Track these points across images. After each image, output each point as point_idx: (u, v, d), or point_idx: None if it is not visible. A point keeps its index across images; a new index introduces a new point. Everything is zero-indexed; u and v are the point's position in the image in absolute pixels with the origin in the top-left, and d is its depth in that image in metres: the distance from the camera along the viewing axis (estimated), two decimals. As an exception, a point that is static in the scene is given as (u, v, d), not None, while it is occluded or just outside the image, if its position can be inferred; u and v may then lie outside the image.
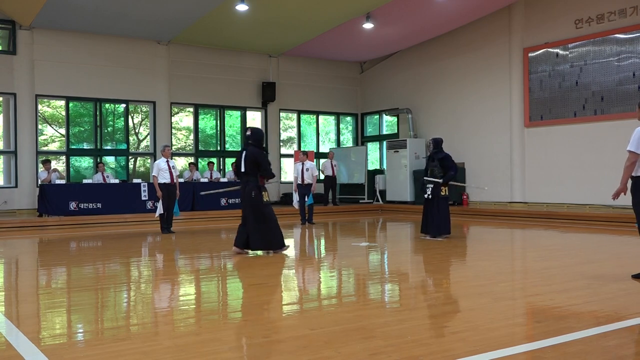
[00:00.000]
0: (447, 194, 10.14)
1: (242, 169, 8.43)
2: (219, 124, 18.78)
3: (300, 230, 12.56)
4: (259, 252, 8.47)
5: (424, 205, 10.36)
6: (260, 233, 8.27)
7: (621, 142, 12.94)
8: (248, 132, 8.56)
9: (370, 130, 21.38)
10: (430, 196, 10.09)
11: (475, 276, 6.64)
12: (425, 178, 10.31)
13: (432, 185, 10.09)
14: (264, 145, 8.59)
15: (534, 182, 15.66)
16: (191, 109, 18.37)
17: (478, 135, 17.03)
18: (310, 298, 5.80)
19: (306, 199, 13.68)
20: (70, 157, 16.58)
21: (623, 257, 7.88)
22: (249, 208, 8.33)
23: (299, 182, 13.64)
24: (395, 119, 20.09)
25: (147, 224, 13.34)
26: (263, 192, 8.36)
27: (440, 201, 10.05)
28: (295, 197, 13.87)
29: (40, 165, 14.83)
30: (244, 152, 8.43)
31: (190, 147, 18.69)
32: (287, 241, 8.93)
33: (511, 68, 16.12)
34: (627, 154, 5.98)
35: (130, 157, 17.93)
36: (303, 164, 13.67)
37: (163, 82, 17.34)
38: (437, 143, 10.38)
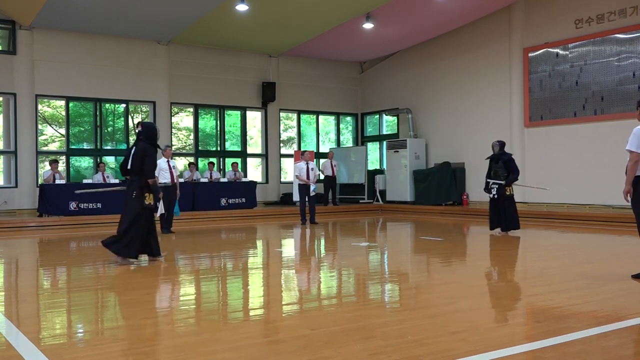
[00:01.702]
0: (512, 193, 10.77)
1: (129, 166, 7.58)
2: (219, 124, 18.78)
3: (300, 230, 12.56)
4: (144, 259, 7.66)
5: (490, 204, 10.98)
6: (128, 235, 7.37)
7: (621, 142, 12.92)
8: (139, 128, 7.77)
9: (370, 130, 21.38)
10: (495, 196, 10.76)
11: (475, 276, 6.64)
12: (488, 180, 10.94)
13: (497, 186, 10.74)
14: (156, 143, 7.72)
15: (534, 182, 15.64)
16: (191, 109, 18.38)
17: (478, 135, 17.02)
18: (310, 298, 5.80)
19: (307, 198, 13.67)
20: (70, 157, 16.58)
21: (623, 257, 7.89)
22: (126, 208, 7.48)
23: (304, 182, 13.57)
24: (395, 119, 20.09)
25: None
26: (146, 194, 7.44)
27: (507, 200, 10.69)
28: (297, 196, 13.80)
29: (46, 164, 14.84)
30: (133, 148, 7.63)
31: (190, 147, 18.69)
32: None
33: (511, 68, 16.12)
34: (628, 154, 5.98)
35: (130, 157, 17.90)
36: (308, 163, 13.64)
37: (163, 82, 17.34)
38: (502, 145, 11.00)
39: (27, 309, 5.34)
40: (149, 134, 7.65)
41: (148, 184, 7.48)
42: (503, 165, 10.78)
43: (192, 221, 14.41)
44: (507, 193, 10.70)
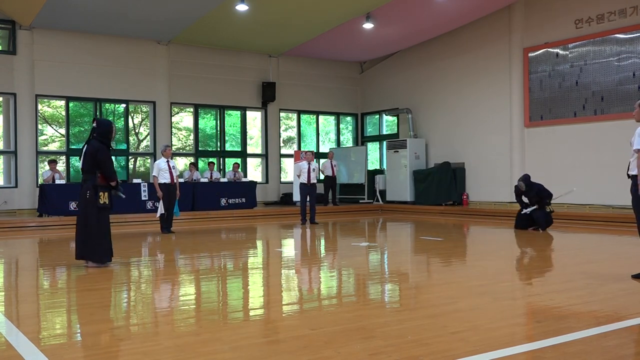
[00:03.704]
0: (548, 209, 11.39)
1: (81, 166, 7.31)
2: (219, 124, 18.78)
3: (300, 230, 12.56)
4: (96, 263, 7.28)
5: (520, 214, 11.56)
6: (85, 238, 7.16)
7: (621, 142, 12.93)
8: (94, 124, 7.35)
9: (370, 130, 21.38)
10: (528, 212, 11.32)
11: (475, 276, 6.63)
12: (526, 206, 11.41)
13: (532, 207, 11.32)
14: (111, 141, 7.39)
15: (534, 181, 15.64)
16: (191, 109, 18.38)
17: (478, 135, 17.03)
18: (310, 298, 5.80)
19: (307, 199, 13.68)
20: (70, 157, 16.58)
21: (623, 257, 7.88)
22: (82, 210, 7.26)
23: (304, 181, 13.57)
24: (395, 119, 20.09)
25: (147, 224, 13.34)
26: (100, 193, 7.16)
27: (540, 211, 11.28)
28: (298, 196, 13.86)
29: (45, 165, 14.84)
30: (85, 147, 7.29)
31: (190, 147, 18.69)
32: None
33: (511, 68, 16.11)
34: (633, 154, 5.93)
35: (130, 157, 17.93)
36: (309, 163, 13.64)
37: (163, 82, 17.34)
38: (527, 181, 11.37)
39: (27, 309, 5.33)
40: (102, 132, 7.25)
41: (103, 183, 7.21)
42: (536, 195, 11.26)
43: (192, 221, 14.41)
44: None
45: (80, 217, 7.30)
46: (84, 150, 7.33)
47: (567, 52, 14.92)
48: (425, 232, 11.93)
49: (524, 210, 11.41)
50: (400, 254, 9.18)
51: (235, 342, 3.97)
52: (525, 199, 11.51)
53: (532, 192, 11.33)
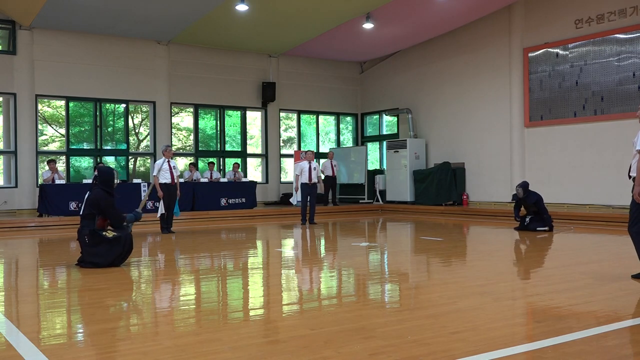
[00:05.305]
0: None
1: (81, 211, 7.48)
2: (219, 124, 18.78)
3: (300, 230, 12.56)
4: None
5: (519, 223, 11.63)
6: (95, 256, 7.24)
7: (621, 142, 12.95)
8: (95, 172, 7.42)
9: (370, 131, 21.38)
10: (527, 223, 11.36)
11: (475, 276, 6.64)
12: (525, 218, 11.42)
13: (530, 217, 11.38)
14: (113, 188, 7.41)
15: (534, 182, 15.62)
16: (191, 109, 18.38)
17: (478, 135, 17.03)
18: (310, 298, 5.80)
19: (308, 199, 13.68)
20: (70, 157, 16.58)
21: (623, 257, 7.88)
22: (83, 250, 7.32)
23: (305, 181, 13.56)
24: (395, 119, 20.10)
25: (147, 224, 13.33)
26: (103, 233, 7.21)
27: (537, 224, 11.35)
28: (297, 196, 13.86)
29: (45, 165, 14.86)
30: (87, 194, 7.41)
31: (190, 147, 18.69)
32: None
33: (511, 68, 16.11)
34: (635, 154, 5.88)
35: (130, 157, 17.93)
36: (310, 163, 13.64)
37: (163, 82, 17.34)
38: (526, 188, 11.31)
39: (27, 309, 5.33)
40: (104, 180, 7.36)
41: (104, 227, 7.27)
42: (534, 205, 11.27)
43: (192, 221, 14.41)
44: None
45: (85, 255, 7.32)
46: (86, 197, 7.44)
47: (567, 52, 14.93)
48: (425, 232, 11.93)
49: (525, 221, 11.40)
50: (400, 254, 9.18)
51: (235, 342, 3.97)
52: (523, 215, 11.49)
53: (530, 200, 11.25)
